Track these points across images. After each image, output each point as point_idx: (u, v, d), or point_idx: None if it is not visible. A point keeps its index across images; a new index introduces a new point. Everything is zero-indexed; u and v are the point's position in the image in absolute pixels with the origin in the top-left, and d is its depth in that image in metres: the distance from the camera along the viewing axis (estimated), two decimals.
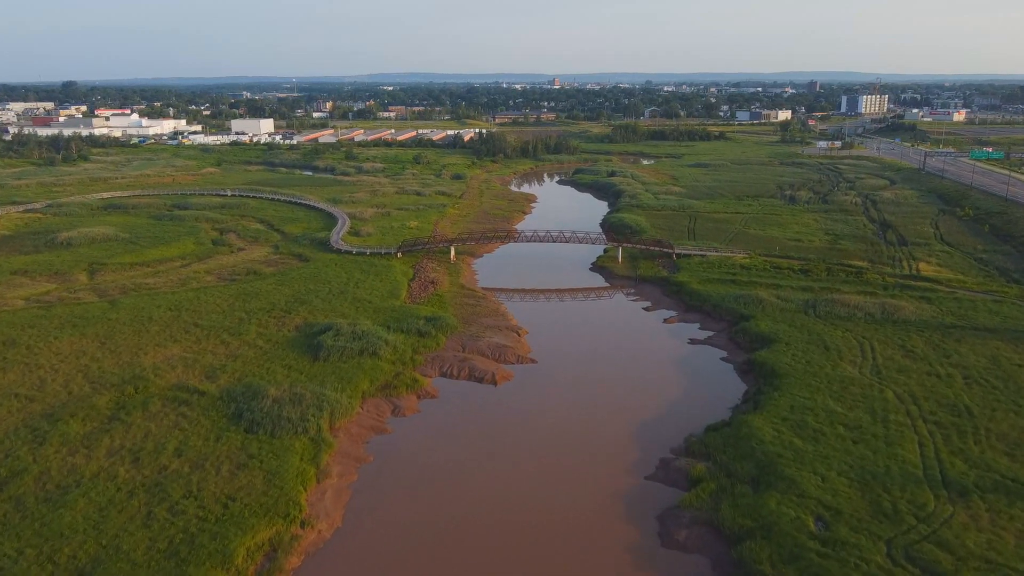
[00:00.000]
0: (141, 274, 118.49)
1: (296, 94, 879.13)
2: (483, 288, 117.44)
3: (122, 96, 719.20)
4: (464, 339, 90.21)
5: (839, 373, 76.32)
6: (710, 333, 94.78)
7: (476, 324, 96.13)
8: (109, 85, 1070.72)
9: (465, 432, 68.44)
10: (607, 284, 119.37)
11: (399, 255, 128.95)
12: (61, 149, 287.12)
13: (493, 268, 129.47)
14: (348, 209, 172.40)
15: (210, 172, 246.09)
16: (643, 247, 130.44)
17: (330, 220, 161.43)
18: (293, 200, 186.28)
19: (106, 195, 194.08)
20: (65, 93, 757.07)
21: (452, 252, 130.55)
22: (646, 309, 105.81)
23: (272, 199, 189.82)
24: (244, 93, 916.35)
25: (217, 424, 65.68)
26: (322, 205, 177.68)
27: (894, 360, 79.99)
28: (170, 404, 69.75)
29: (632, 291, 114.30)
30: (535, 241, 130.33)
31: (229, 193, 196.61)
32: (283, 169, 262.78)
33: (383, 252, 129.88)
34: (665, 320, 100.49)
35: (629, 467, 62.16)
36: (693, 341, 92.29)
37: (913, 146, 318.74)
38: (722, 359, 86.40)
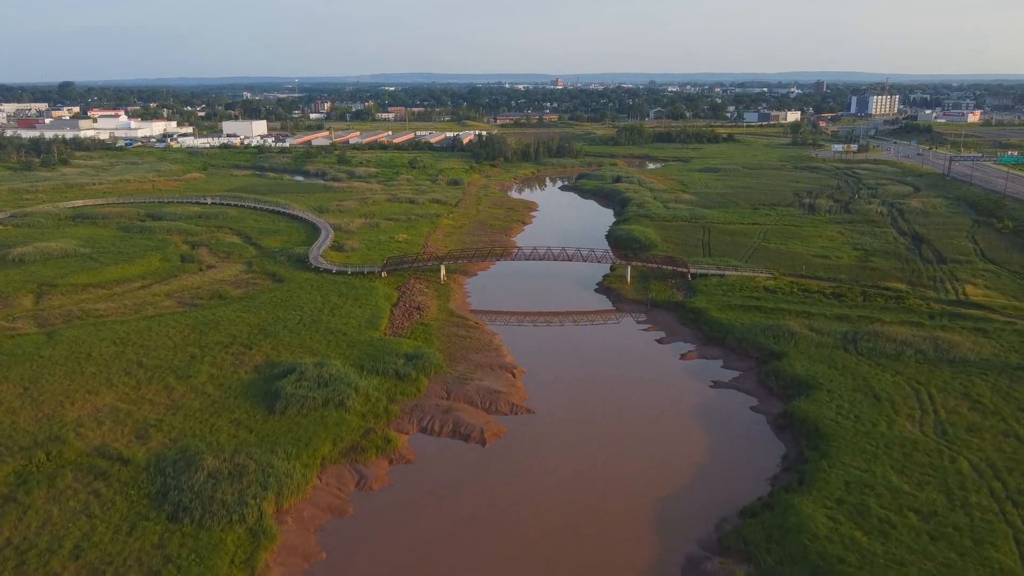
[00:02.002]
0: (93, 297, 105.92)
1: (297, 94, 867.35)
2: (476, 311, 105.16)
3: (117, 97, 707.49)
4: (450, 382, 77.43)
5: (897, 433, 63.36)
6: (735, 374, 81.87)
7: (465, 362, 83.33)
8: (109, 85, 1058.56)
9: (443, 514, 55.63)
10: (614, 309, 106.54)
11: (383, 274, 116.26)
12: (42, 152, 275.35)
13: (487, 289, 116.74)
14: (333, 219, 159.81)
15: (194, 177, 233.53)
16: (654, 266, 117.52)
17: (313, 232, 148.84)
18: (276, 209, 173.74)
19: (78, 203, 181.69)
20: (61, 94, 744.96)
21: (442, 271, 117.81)
22: (659, 341, 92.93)
23: (254, 208, 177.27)
24: (244, 93, 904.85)
25: (135, 508, 52.92)
26: (306, 215, 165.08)
27: (959, 415, 67.03)
28: (84, 477, 57.05)
29: (643, 318, 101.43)
30: (534, 259, 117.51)
31: (209, 201, 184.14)
32: (272, 174, 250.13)
33: (366, 271, 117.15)
34: (682, 356, 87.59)
35: (647, 570, 49.32)
36: (716, 384, 79.40)
37: (931, 149, 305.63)
38: (752, 408, 73.48)
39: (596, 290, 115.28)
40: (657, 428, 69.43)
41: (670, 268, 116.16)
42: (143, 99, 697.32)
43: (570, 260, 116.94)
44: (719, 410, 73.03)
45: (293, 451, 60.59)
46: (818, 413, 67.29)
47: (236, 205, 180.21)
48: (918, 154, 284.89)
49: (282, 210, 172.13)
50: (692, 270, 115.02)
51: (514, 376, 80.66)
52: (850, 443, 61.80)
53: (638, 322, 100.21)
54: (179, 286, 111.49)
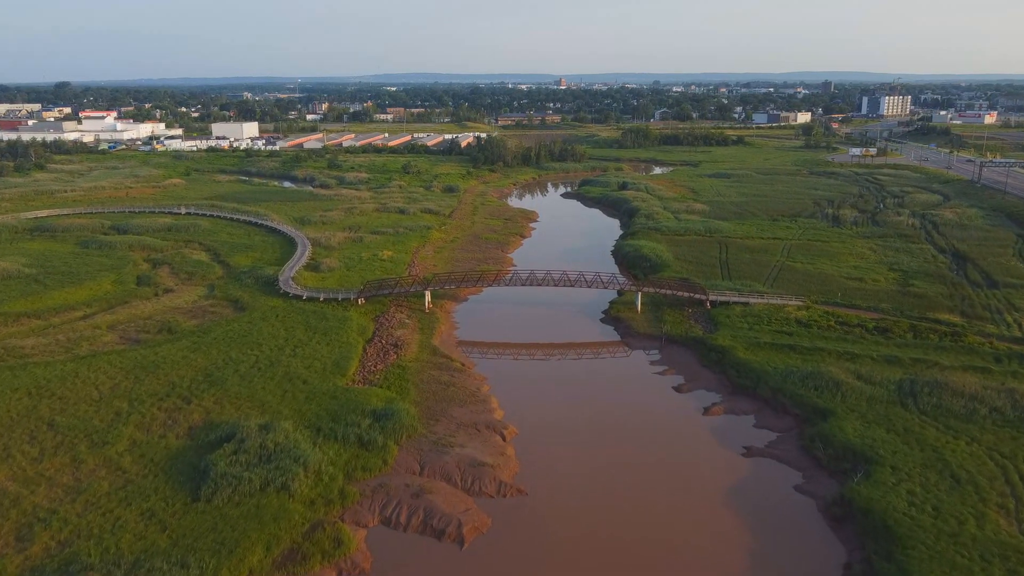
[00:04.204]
0: (25, 330, 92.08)
1: (297, 95, 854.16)
2: (465, 342, 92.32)
3: (113, 97, 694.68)
4: (425, 450, 63.49)
5: (992, 536, 49.25)
6: (772, 436, 67.78)
7: (445, 420, 69.39)
8: (109, 85, 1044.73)
9: None
10: (623, 344, 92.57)
11: (360, 301, 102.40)
12: (18, 156, 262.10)
13: (478, 318, 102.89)
14: (314, 233, 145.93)
15: (174, 184, 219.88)
16: (668, 292, 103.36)
17: (291, 248, 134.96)
18: (254, 220, 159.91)
19: (41, 214, 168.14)
20: (56, 94, 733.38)
21: (427, 297, 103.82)
22: (677, 389, 78.84)
23: (230, 219, 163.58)
24: (245, 94, 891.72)
25: None
26: (285, 228, 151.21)
27: None
28: None
29: (657, 357, 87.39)
30: (531, 284, 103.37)
31: (183, 211, 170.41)
32: (258, 180, 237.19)
33: (340, 298, 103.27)
34: (706, 410, 73.46)
35: None
36: (749, 451, 65.30)
37: (951, 152, 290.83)
38: (797, 488, 59.33)
39: (602, 320, 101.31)
40: (679, 520, 55.37)
41: (686, 295, 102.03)
42: (139, 100, 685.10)
43: (573, 286, 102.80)
44: (755, 491, 58.86)
45: (211, 563, 46.71)
46: (885, 503, 53.17)
47: (211, 216, 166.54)
48: (968, 160, 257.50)
49: (260, 222, 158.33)
50: (712, 297, 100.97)
51: (504, 439, 66.69)
52: (934, 552, 47.72)
53: (651, 363, 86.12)
54: (127, 315, 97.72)
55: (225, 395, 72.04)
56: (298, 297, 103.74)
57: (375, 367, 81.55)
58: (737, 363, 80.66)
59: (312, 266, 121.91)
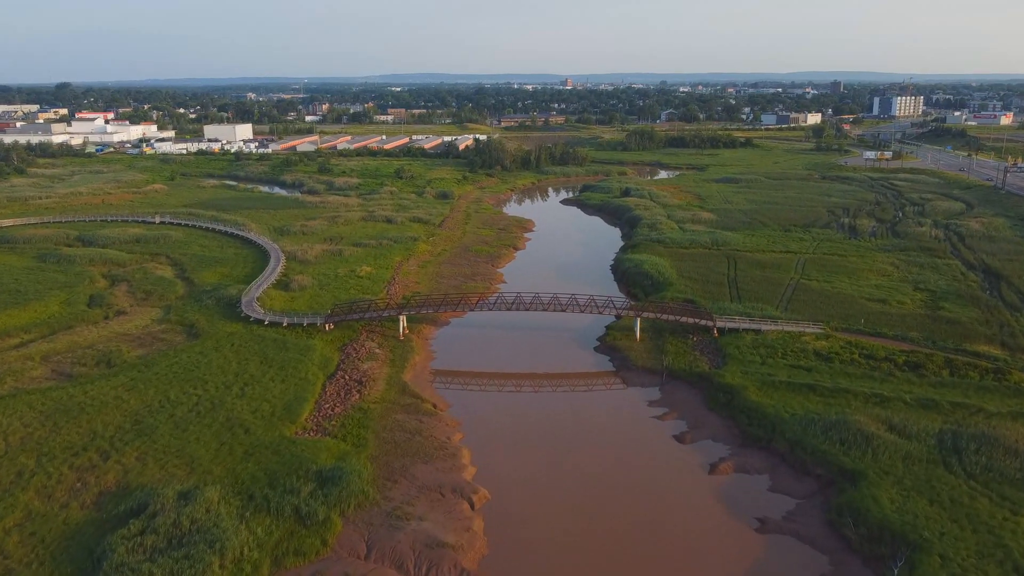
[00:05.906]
0: None
1: (301, 95, 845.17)
2: (440, 372, 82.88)
3: (111, 98, 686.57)
4: (375, 524, 53.04)
5: None
6: (791, 504, 57.07)
7: (405, 481, 58.97)
8: (112, 86, 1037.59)
9: None
10: (618, 378, 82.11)
11: (328, 327, 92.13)
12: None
13: (459, 345, 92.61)
14: (291, 245, 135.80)
15: (155, 189, 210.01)
16: (671, 318, 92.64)
17: (264, 262, 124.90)
18: (230, 231, 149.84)
19: (7, 223, 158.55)
20: (56, 95, 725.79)
21: (402, 322, 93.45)
22: (679, 438, 68.25)
23: (206, 229, 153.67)
24: (248, 94, 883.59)
25: None
26: (261, 239, 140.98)
27: None
28: None
29: (657, 397, 76.81)
30: (518, 308, 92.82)
31: (157, 220, 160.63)
32: (244, 185, 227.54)
33: (305, 323, 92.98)
34: (712, 467, 62.75)
35: None
36: (765, 524, 54.58)
37: (969, 155, 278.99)
38: None
39: (597, 348, 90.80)
40: None
41: (691, 321, 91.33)
42: (140, 100, 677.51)
43: (563, 310, 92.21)
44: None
45: None
46: None
47: (186, 225, 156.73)
48: (968, 164, 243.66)
49: (237, 232, 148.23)
50: (719, 323, 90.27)
51: (472, 507, 56.19)
52: None
53: (650, 403, 75.51)
54: (67, 343, 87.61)
55: (151, 449, 61.79)
56: (259, 322, 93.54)
57: (333, 410, 71.15)
58: (748, 407, 70.01)
59: (282, 284, 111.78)
